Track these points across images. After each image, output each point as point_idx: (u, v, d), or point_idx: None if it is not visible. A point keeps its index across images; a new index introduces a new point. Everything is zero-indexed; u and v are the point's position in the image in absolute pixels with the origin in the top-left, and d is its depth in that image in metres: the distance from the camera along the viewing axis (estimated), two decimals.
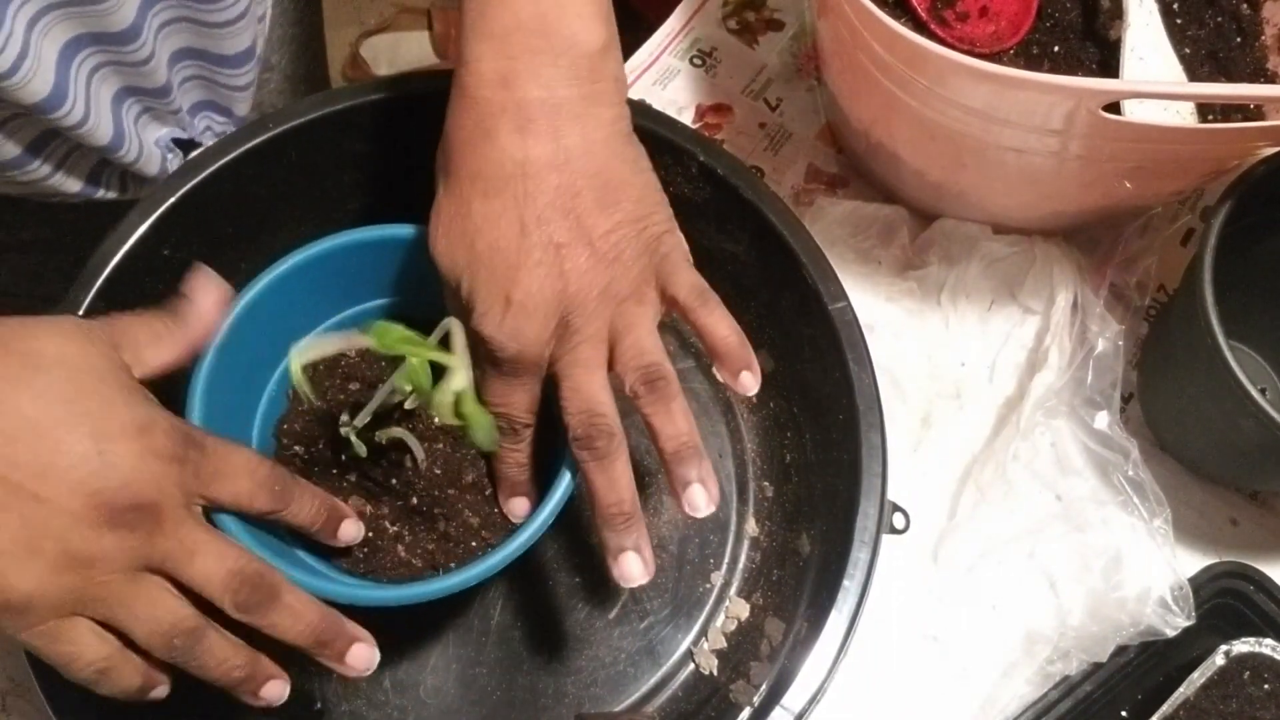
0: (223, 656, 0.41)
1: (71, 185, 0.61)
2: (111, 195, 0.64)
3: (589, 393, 0.46)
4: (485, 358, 0.47)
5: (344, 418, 0.51)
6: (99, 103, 0.56)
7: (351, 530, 0.49)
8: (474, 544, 0.52)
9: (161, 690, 0.42)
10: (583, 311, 0.46)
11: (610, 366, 0.47)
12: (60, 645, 0.39)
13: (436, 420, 0.53)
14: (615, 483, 0.46)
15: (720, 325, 0.48)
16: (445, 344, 0.46)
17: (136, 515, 0.39)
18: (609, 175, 0.46)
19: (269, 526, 0.49)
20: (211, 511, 0.44)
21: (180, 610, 0.40)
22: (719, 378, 0.49)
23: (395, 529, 0.52)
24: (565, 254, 0.45)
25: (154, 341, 0.45)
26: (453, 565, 0.51)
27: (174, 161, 0.64)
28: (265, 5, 0.65)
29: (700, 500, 0.46)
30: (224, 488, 0.42)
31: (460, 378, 0.44)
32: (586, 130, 0.45)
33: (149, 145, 0.61)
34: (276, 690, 0.44)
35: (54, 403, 0.38)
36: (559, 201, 0.45)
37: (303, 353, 0.45)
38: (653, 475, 0.61)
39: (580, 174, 0.45)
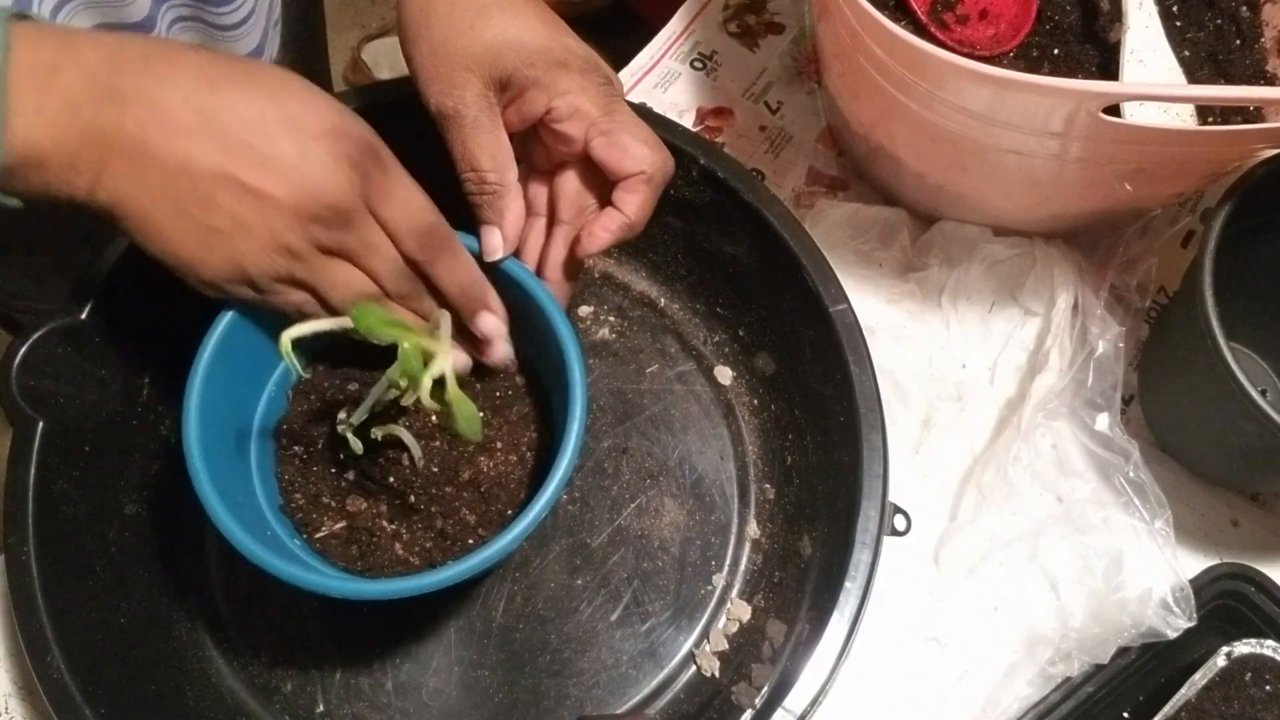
0: (454, 270, 0.48)
1: None
2: None
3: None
4: (601, 110, 0.49)
5: (341, 415, 0.51)
6: None
7: (491, 324, 0.51)
8: (470, 541, 0.52)
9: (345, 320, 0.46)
10: None
11: None
12: (276, 296, 0.45)
13: (434, 419, 0.53)
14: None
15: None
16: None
17: (330, 213, 0.43)
18: None
19: (257, 517, 0.49)
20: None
21: (366, 282, 0.46)
22: None
23: (393, 527, 0.52)
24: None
25: None
26: (449, 562, 0.50)
27: None
28: (278, 10, 0.65)
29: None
30: (387, 209, 0.45)
31: (442, 362, 0.46)
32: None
33: None
34: (492, 322, 0.50)
35: (263, 102, 0.42)
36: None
37: (291, 330, 0.45)
38: (654, 478, 0.61)
39: None
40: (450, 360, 0.46)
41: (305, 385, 0.56)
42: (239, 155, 0.41)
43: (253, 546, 0.46)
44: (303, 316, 0.46)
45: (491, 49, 0.48)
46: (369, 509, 0.52)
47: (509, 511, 0.53)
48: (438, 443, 0.53)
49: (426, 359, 0.46)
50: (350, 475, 0.53)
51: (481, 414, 0.53)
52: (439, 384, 0.46)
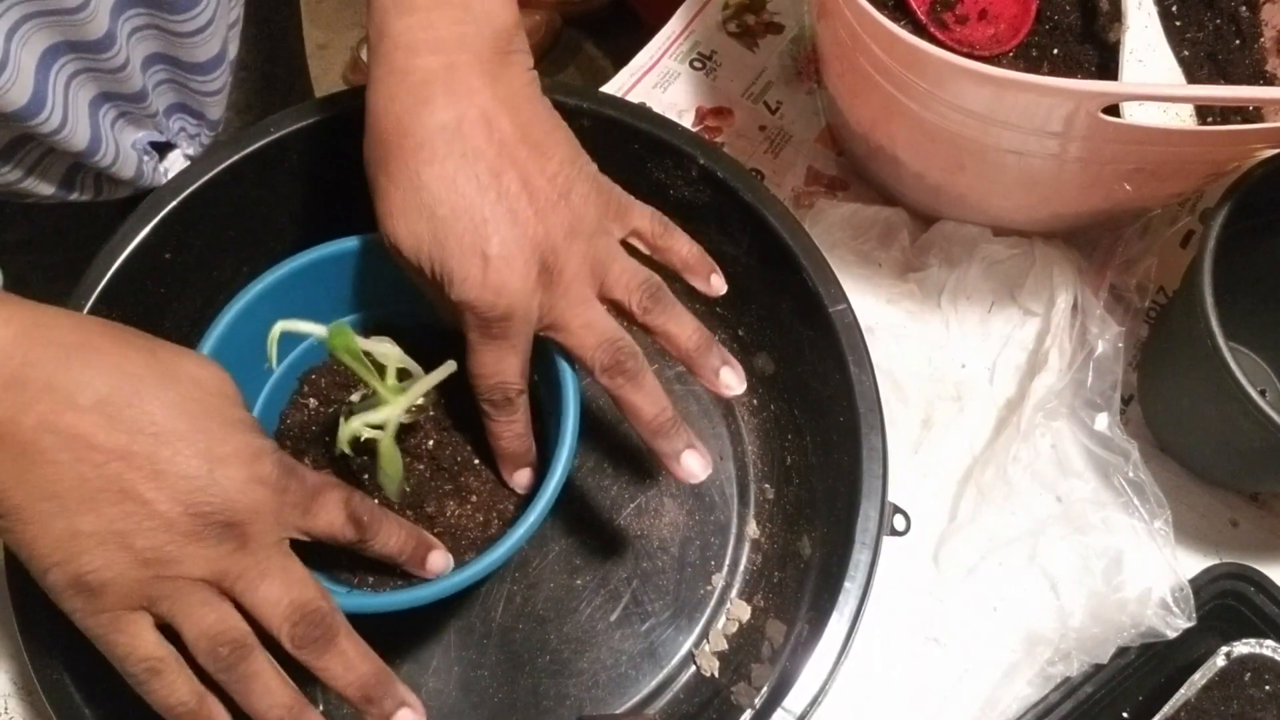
0: (270, 685, 0.41)
1: (44, 189, 0.61)
2: (85, 197, 0.64)
3: (600, 324, 0.48)
4: (473, 326, 0.47)
5: (344, 408, 0.52)
6: (77, 109, 0.56)
7: (440, 561, 0.49)
8: (479, 542, 0.52)
9: None
10: (559, 251, 0.46)
11: (601, 299, 0.49)
12: (120, 635, 0.40)
13: (430, 443, 0.53)
14: (652, 395, 0.48)
15: (683, 244, 0.51)
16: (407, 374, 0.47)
17: (225, 532, 0.40)
18: (535, 125, 0.48)
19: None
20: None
21: (233, 621, 0.41)
22: (694, 286, 0.52)
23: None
24: (525, 199, 0.46)
25: None
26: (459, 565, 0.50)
27: (150, 164, 0.64)
28: (237, 11, 0.65)
29: (730, 379, 0.50)
30: (319, 518, 0.44)
31: (385, 413, 0.46)
32: (511, 88, 0.47)
33: (125, 148, 0.61)
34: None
35: (180, 415, 0.41)
36: (503, 153, 0.46)
37: (278, 325, 0.46)
38: (653, 478, 0.61)
39: (510, 126, 0.46)
40: (397, 414, 0.46)
41: (296, 404, 0.55)
42: (138, 463, 0.39)
43: None
44: (149, 679, 0.40)
45: (407, 247, 0.46)
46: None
47: (511, 507, 0.53)
48: (423, 467, 0.53)
49: (403, 375, 0.46)
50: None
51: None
52: (379, 427, 0.46)
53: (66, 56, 0.54)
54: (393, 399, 0.47)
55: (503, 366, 0.48)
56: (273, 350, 0.45)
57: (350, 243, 0.53)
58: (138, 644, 0.40)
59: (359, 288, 0.55)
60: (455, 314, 0.47)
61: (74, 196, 0.63)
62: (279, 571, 0.42)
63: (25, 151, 0.58)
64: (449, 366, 0.48)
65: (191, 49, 0.60)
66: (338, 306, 0.56)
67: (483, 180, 0.45)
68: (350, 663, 0.42)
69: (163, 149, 0.65)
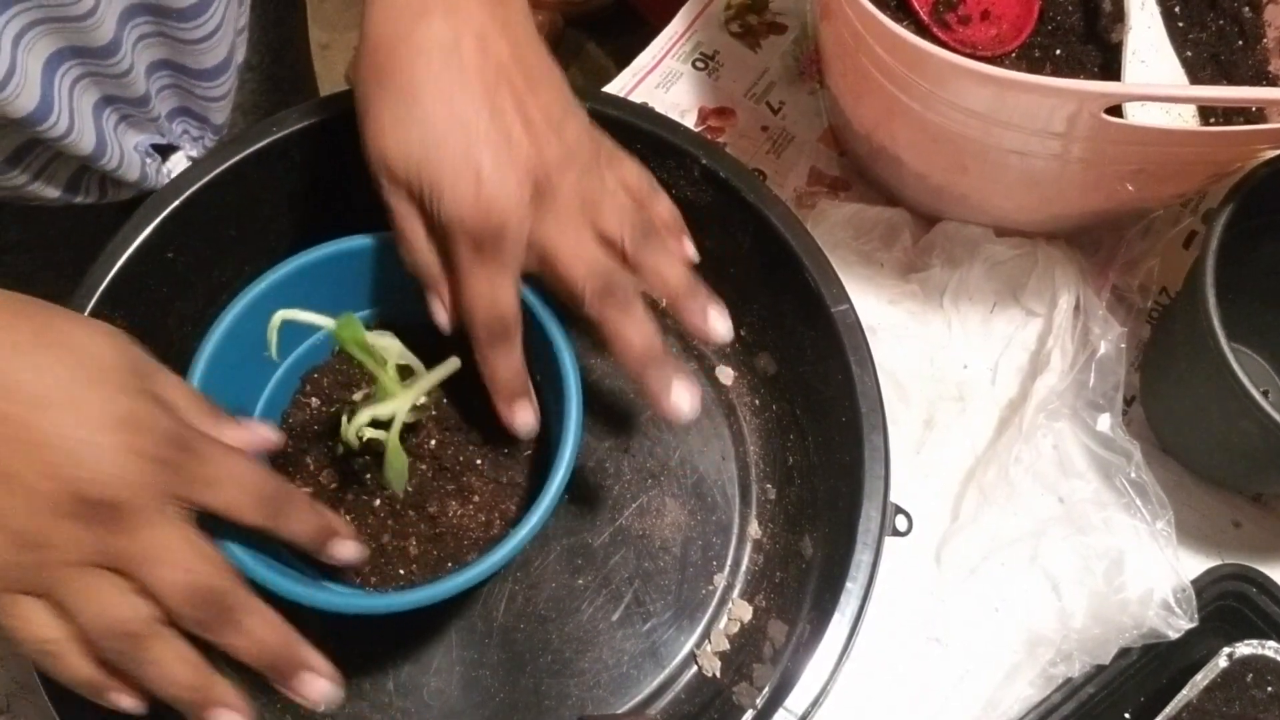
0: (170, 671, 0.39)
1: (51, 192, 0.61)
2: (90, 200, 0.64)
3: (591, 253, 0.47)
4: (464, 246, 0.45)
5: (346, 412, 0.52)
6: (82, 113, 0.56)
7: (350, 550, 0.47)
8: (478, 537, 0.52)
9: (128, 701, 0.40)
10: (552, 176, 0.46)
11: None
12: (8, 619, 0.38)
13: (433, 443, 0.53)
14: (643, 326, 0.47)
15: (665, 207, 0.52)
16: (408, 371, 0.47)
17: (98, 510, 0.37)
18: (531, 55, 0.47)
19: (269, 543, 0.49)
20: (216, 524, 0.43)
21: (127, 612, 0.39)
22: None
23: (399, 542, 0.52)
24: (519, 123, 0.45)
25: (189, 402, 0.43)
26: (457, 568, 0.50)
27: (153, 166, 0.64)
28: (245, 18, 0.65)
29: (718, 322, 0.49)
30: (213, 495, 0.41)
31: (392, 406, 0.45)
32: (509, 16, 0.47)
33: (129, 151, 0.61)
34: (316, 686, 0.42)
35: (51, 382, 0.38)
36: (500, 75, 0.46)
37: (279, 314, 0.45)
38: (655, 478, 0.61)
39: (508, 51, 0.46)
40: (403, 409, 0.45)
41: (298, 403, 0.55)
42: (9, 434, 0.37)
43: (251, 562, 0.45)
44: (43, 661, 0.39)
45: (395, 161, 0.46)
46: (374, 524, 0.52)
47: (513, 508, 0.53)
48: (424, 466, 0.53)
49: (406, 373, 0.46)
50: (349, 495, 0.53)
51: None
52: (383, 424, 0.46)
53: (70, 62, 0.55)
54: (399, 393, 0.46)
55: (499, 293, 0.47)
56: (273, 338, 0.44)
57: (353, 242, 0.53)
58: (29, 628, 0.38)
59: (361, 287, 0.55)
60: (443, 237, 0.46)
61: (79, 199, 0.64)
62: (170, 552, 0.39)
63: (33, 156, 0.58)
64: (452, 363, 0.48)
65: (198, 55, 0.60)
66: (340, 305, 0.56)
67: (478, 99, 0.45)
68: (254, 637, 0.41)
69: (165, 151, 0.65)
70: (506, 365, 0.49)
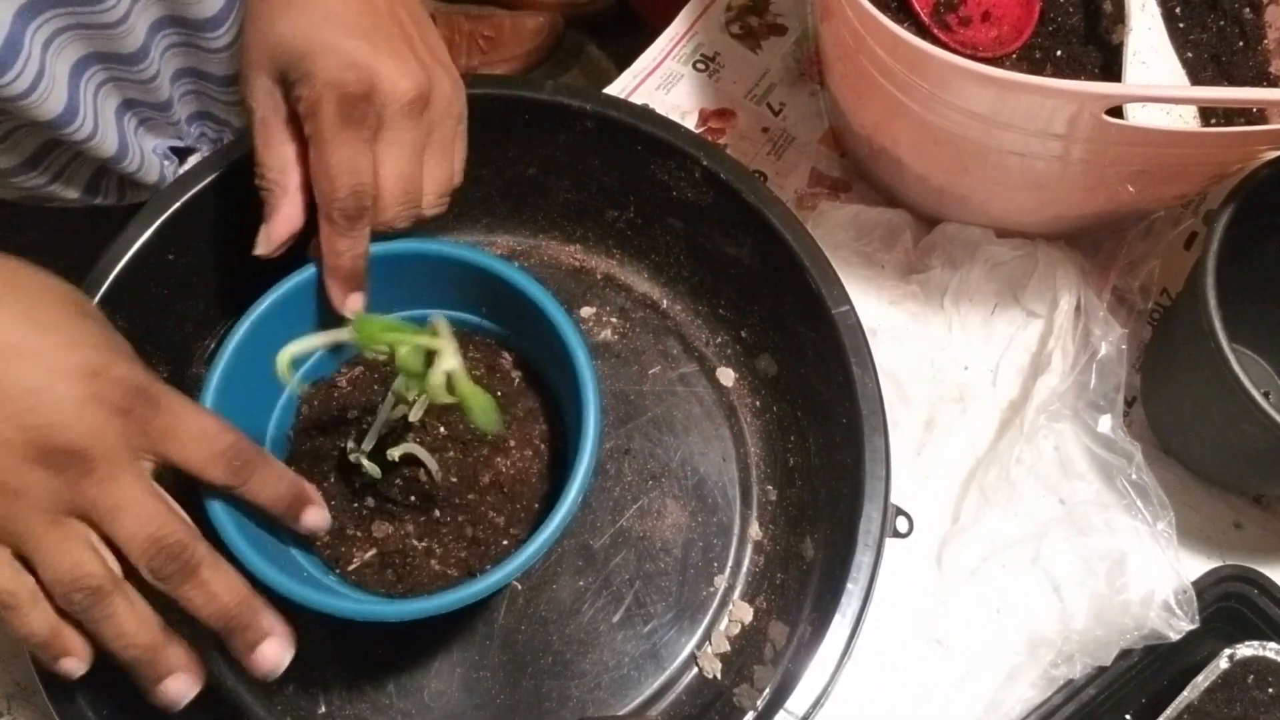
0: (124, 629, 0.39)
1: (70, 193, 0.62)
2: (109, 201, 0.65)
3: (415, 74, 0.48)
4: (330, 114, 0.45)
5: (349, 445, 0.51)
6: (104, 116, 0.57)
7: (316, 517, 0.46)
8: (505, 542, 0.52)
9: (72, 664, 0.40)
10: (435, 99, 0.48)
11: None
12: None
13: (443, 430, 0.53)
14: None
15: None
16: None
17: (65, 458, 0.38)
18: (416, 9, 0.50)
19: (276, 536, 0.49)
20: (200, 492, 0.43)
21: (88, 565, 0.39)
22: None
23: (424, 544, 0.52)
24: (406, 47, 0.47)
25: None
26: (488, 567, 0.50)
27: (171, 168, 0.64)
28: None
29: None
30: (174, 449, 0.41)
31: (450, 358, 0.44)
32: None
33: (148, 154, 0.62)
34: (176, 687, 0.41)
35: (14, 329, 0.38)
36: (391, 10, 0.48)
37: (287, 349, 0.45)
38: (656, 479, 0.61)
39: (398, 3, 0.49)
40: (457, 357, 0.45)
41: (304, 423, 0.55)
42: None
43: (260, 562, 0.45)
44: (4, 613, 0.39)
45: (276, 45, 0.46)
46: (396, 531, 0.52)
47: (535, 505, 0.53)
48: (451, 453, 0.53)
49: (430, 359, 0.45)
50: (370, 502, 0.52)
51: None
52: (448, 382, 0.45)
53: (95, 67, 0.55)
54: (442, 345, 0.45)
55: (361, 163, 0.45)
56: (285, 374, 0.44)
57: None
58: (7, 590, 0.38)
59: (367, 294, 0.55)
60: (306, 116, 0.45)
61: (99, 200, 0.64)
62: (133, 502, 0.39)
63: (53, 157, 0.59)
64: (444, 320, 0.47)
65: (221, 63, 0.61)
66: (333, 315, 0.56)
67: (380, 12, 0.47)
68: (211, 593, 0.40)
69: (183, 154, 0.66)
70: (354, 247, 0.48)
